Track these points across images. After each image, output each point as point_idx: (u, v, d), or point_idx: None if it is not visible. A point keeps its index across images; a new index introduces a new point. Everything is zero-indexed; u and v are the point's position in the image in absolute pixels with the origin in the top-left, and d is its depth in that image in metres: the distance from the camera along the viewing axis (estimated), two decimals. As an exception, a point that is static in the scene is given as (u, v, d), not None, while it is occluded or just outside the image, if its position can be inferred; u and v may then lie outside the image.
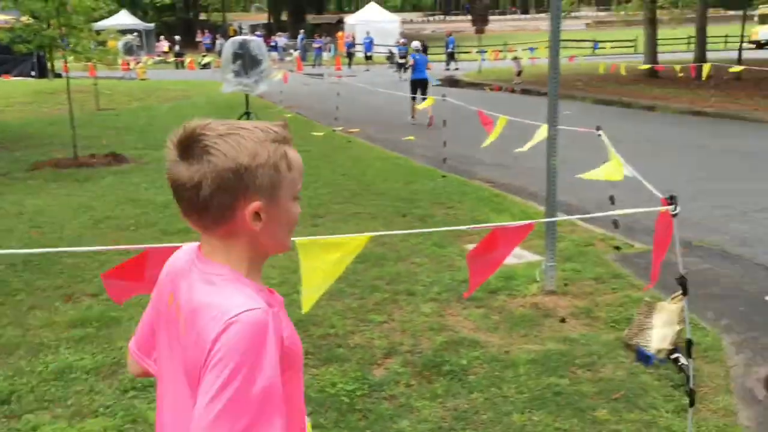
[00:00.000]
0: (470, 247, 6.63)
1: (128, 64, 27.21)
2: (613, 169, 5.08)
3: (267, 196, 1.29)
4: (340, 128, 15.39)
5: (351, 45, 38.93)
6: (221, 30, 49.78)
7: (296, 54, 41.34)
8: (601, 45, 39.22)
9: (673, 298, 4.15)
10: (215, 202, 1.26)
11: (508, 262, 6.07)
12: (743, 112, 17.13)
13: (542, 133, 7.12)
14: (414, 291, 5.19)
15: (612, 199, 6.46)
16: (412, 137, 14.11)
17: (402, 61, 31.00)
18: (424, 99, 14.50)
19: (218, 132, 1.26)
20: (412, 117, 16.32)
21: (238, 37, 13.03)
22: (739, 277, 5.67)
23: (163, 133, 1.49)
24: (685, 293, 3.16)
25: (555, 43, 4.82)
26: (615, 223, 6.80)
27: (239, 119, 10.70)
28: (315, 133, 14.33)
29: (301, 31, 45.38)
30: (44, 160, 10.87)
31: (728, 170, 10.32)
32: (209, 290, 1.28)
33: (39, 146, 12.61)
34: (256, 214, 1.28)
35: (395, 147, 13.15)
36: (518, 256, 6.25)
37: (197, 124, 1.27)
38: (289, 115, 17.86)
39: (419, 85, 16.55)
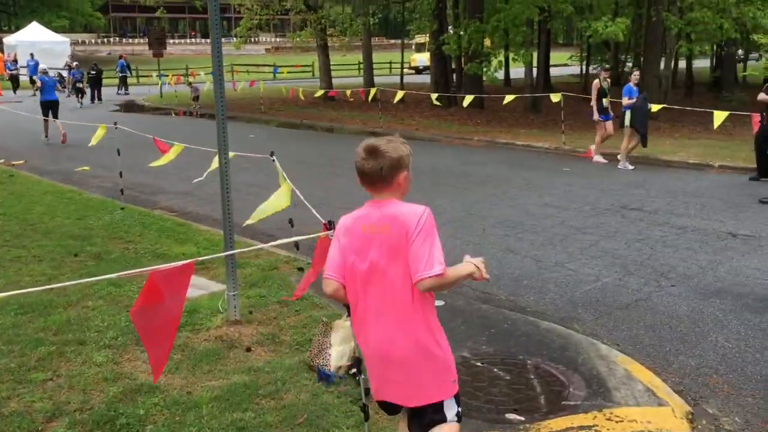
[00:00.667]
0: (152, 282, 6.28)
1: None
2: (282, 196, 5.18)
3: (408, 169, 2.69)
4: (1, 161, 13.73)
5: (12, 67, 35.00)
6: None
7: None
8: (280, 70, 40.54)
9: (348, 316, 4.32)
10: (389, 175, 2.64)
11: (191, 295, 5.88)
12: (408, 132, 18.94)
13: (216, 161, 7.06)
14: (85, 339, 4.72)
15: (291, 222, 6.60)
16: (87, 167, 13.12)
17: (80, 86, 29.25)
18: (55, 120, 16.28)
19: (385, 143, 2.65)
20: (46, 136, 17.08)
21: None
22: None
23: None
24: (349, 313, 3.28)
25: (219, 75, 4.77)
26: (296, 246, 6.96)
27: None
28: (-33, 168, 12.58)
29: (-51, 51, 39.73)
30: None
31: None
32: (396, 208, 2.62)
33: None
34: (405, 178, 2.69)
35: (68, 179, 12.09)
36: (203, 288, 6.07)
37: (371, 141, 2.67)
38: (-67, 149, 15.44)
39: (50, 106, 16.96)
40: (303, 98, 24.46)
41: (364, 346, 2.82)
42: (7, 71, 35.43)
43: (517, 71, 32.67)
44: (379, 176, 2.64)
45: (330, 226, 3.14)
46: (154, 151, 9.55)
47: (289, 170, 6.26)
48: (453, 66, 26.99)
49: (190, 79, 31.49)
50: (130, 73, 36.07)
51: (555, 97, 15.80)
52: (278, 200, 5.19)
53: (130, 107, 28.90)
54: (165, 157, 8.40)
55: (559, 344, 4.67)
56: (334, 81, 30.38)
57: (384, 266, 2.61)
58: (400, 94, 20.83)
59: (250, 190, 9.92)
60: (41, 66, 19.56)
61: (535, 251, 7.40)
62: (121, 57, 36.53)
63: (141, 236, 7.75)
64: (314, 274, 3.56)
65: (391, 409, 2.82)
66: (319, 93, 23.01)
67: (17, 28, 49.33)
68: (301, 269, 6.53)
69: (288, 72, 40.87)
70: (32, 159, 14.46)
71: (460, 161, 14.08)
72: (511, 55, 21.34)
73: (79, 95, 29.14)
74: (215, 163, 7.06)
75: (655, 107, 14.49)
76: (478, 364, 4.33)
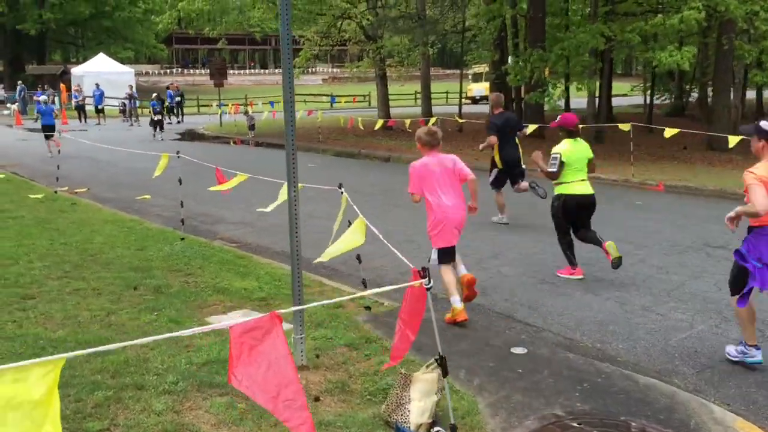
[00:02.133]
0: (213, 319, 5.99)
1: None
2: (357, 233, 4.83)
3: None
4: (65, 188, 13.83)
5: (78, 97, 35.92)
6: None
7: (15, 107, 37.33)
8: (337, 99, 40.76)
9: (427, 366, 3.92)
10: (440, 142, 5.96)
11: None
12: (468, 162, 18.49)
13: (285, 192, 6.78)
14: (144, 383, 4.42)
15: (359, 258, 6.26)
16: (147, 196, 13.10)
17: (158, 117, 27.07)
18: (48, 139, 19.57)
19: (435, 129, 6.05)
20: (49, 151, 19.62)
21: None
22: (484, 330, 5.72)
23: None
24: (445, 374, 2.88)
25: (290, 101, 4.48)
26: (363, 283, 6.61)
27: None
28: (32, 196, 12.66)
29: (20, 82, 41.20)
30: None
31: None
32: (444, 156, 5.96)
33: None
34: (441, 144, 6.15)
35: (128, 207, 12.05)
36: (265, 326, 5.74)
37: (427, 128, 6.04)
38: (1, 176, 15.72)
39: (47, 130, 19.94)
40: (362, 128, 24.35)
41: (446, 214, 5.85)
42: (74, 100, 36.45)
43: (577, 101, 32.01)
44: (437, 143, 5.89)
45: (424, 273, 2.76)
46: (214, 180, 9.41)
47: (331, 197, 6.16)
48: (512, 95, 26.56)
49: (247, 108, 31.83)
50: (175, 102, 35.96)
51: (624, 127, 15.20)
52: (353, 237, 4.84)
53: (190, 136, 29.26)
54: (225, 185, 8.20)
55: (664, 404, 4.15)
56: (391, 111, 30.26)
57: (448, 176, 5.84)
58: (459, 120, 20.50)
59: (313, 221, 9.66)
60: (41, 97, 23.27)
61: (617, 292, 6.87)
62: (170, 88, 37.01)
63: (201, 269, 7.51)
64: (412, 332, 3.11)
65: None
66: (379, 124, 22.79)
67: (84, 59, 50.96)
68: (368, 308, 6.16)
69: (345, 102, 41.06)
70: (94, 186, 14.56)
71: (522, 193, 13.57)
72: (576, 84, 20.78)
73: (157, 127, 26.78)
74: (282, 196, 6.80)
75: (731, 139, 13.81)
76: (575, 424, 3.85)
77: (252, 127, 26.72)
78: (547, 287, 7.10)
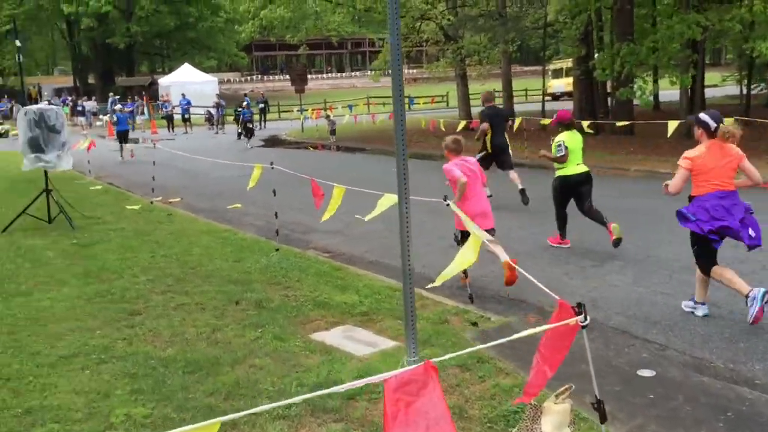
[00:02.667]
0: (317, 335, 5.88)
1: None
2: (469, 250, 4.58)
3: None
4: (159, 198, 14.16)
5: (166, 106, 37.10)
6: (19, 95, 45.81)
7: (107, 118, 38.89)
8: (416, 101, 40.62)
9: (557, 395, 3.65)
10: (462, 148, 7.44)
11: (358, 353, 5.42)
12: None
13: (384, 202, 6.61)
14: (258, 407, 4.32)
15: (465, 272, 6.04)
16: (239, 205, 13.24)
17: (251, 126, 27.60)
18: (125, 143, 23.24)
19: (459, 137, 7.43)
20: (122, 157, 22.82)
21: (33, 106, 11.51)
22: (602, 348, 5.38)
23: None
24: (603, 420, 2.62)
25: (399, 104, 4.30)
26: (470, 298, 6.38)
27: (37, 197, 9.19)
28: (130, 207, 13.00)
29: (111, 94, 42.89)
30: None
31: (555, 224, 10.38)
32: (470, 158, 7.44)
33: None
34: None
35: (221, 217, 12.20)
36: (371, 344, 5.59)
37: (453, 137, 7.37)
38: (99, 187, 16.28)
39: (123, 135, 23.38)
40: (443, 129, 24.08)
41: (478, 206, 7.05)
42: (164, 110, 37.68)
43: (664, 94, 30.75)
44: (461, 149, 7.23)
45: (579, 309, 2.50)
46: (305, 188, 9.32)
47: (426, 205, 6.20)
48: (598, 89, 25.74)
49: (328, 112, 32.06)
50: (259, 108, 36.65)
51: (728, 120, 14.37)
52: (467, 255, 4.60)
53: (272, 142, 29.68)
54: (331, 207, 8.11)
55: (824, 438, 3.76)
56: (472, 111, 29.83)
57: (476, 175, 7.10)
58: (545, 122, 19.98)
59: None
60: (117, 106, 27.38)
61: (743, 305, 6.37)
62: (245, 95, 37.61)
63: (299, 282, 7.43)
64: (551, 369, 2.87)
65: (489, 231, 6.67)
66: (462, 124, 22.48)
67: (170, 70, 52.69)
68: (475, 324, 5.92)
69: (423, 103, 40.88)
70: (186, 196, 14.86)
71: (619, 193, 13.01)
72: (669, 78, 19.88)
73: (249, 136, 27.30)
74: (381, 206, 6.64)
75: None
76: (725, 462, 3.51)
77: (333, 132, 26.89)
78: (662, 298, 6.67)
